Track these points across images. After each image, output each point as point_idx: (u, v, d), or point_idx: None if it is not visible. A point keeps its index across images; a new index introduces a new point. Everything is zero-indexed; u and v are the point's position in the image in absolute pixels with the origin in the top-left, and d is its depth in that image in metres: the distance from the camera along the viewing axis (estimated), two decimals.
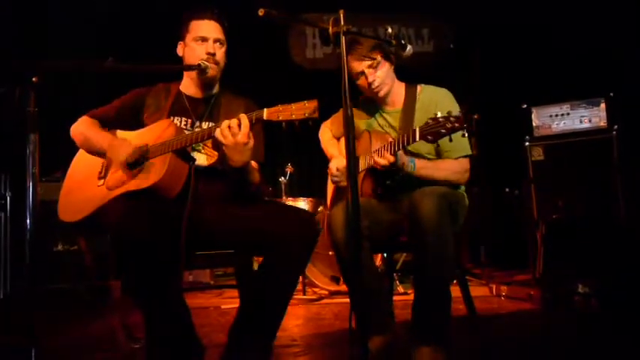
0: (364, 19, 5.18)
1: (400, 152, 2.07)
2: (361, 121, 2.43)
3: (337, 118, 2.53)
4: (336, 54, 1.61)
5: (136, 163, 1.94)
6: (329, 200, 2.61)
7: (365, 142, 2.30)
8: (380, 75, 2.26)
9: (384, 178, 2.24)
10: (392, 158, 2.02)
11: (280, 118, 1.70)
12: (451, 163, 2.23)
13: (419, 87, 2.35)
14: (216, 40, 2.09)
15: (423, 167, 2.17)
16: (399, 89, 2.36)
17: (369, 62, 2.24)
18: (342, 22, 1.57)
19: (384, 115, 2.39)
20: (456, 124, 1.87)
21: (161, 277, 1.74)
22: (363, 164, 2.26)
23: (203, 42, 2.08)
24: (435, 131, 1.91)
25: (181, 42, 2.15)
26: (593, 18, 4.27)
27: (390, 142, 2.08)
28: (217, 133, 1.77)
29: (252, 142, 1.78)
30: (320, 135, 2.58)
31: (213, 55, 2.07)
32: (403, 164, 2.09)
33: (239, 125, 1.75)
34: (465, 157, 2.25)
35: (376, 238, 2.11)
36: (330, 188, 2.59)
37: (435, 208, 1.93)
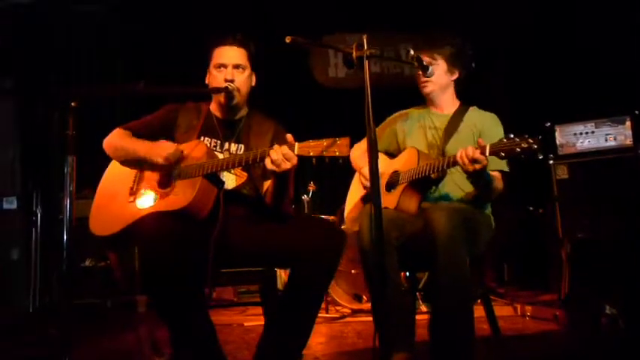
0: (385, 38, 5.23)
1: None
2: (414, 112, 2.50)
3: (381, 130, 2.54)
4: (359, 74, 1.64)
5: (166, 184, 1.99)
6: (348, 213, 2.61)
7: (410, 159, 2.32)
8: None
9: (427, 190, 2.28)
10: (484, 159, 1.95)
11: (311, 154, 1.73)
12: (499, 178, 2.25)
13: (472, 107, 2.43)
14: (235, 66, 2.09)
15: (494, 178, 2.18)
16: (450, 99, 2.44)
17: (427, 60, 2.31)
18: (366, 46, 1.61)
19: (431, 115, 2.45)
20: (534, 146, 1.84)
21: (187, 295, 1.78)
22: (405, 178, 2.27)
23: (222, 68, 2.10)
24: (508, 149, 1.89)
25: (208, 70, 2.18)
26: (618, 34, 4.24)
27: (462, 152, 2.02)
28: (268, 161, 1.78)
29: (295, 160, 1.79)
30: (351, 151, 2.59)
31: (232, 81, 2.07)
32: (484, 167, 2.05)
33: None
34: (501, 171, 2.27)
35: (407, 253, 2.11)
36: (352, 202, 2.60)
37: (448, 222, 1.94)
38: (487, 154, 1.93)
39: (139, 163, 2.08)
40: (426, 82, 2.38)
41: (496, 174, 2.23)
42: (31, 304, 3.86)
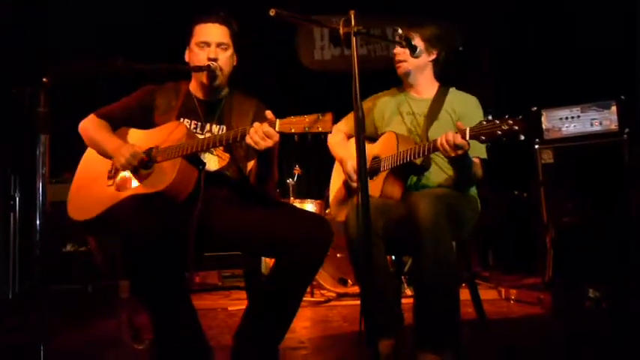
0: (372, 20, 5.17)
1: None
2: (391, 96, 2.45)
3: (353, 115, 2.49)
4: (345, 55, 1.59)
5: (145, 165, 1.93)
6: (332, 200, 2.59)
7: (389, 143, 2.28)
8: (406, 52, 2.28)
9: (409, 177, 2.24)
10: (465, 144, 1.91)
11: (293, 131, 1.67)
12: (478, 164, 2.22)
13: (451, 89, 2.38)
14: (219, 45, 2.03)
15: (474, 163, 2.14)
16: (429, 83, 2.39)
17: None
18: (353, 23, 1.56)
19: (409, 100, 2.39)
20: (515, 127, 1.79)
21: (169, 279, 1.74)
22: (386, 165, 2.24)
23: (205, 46, 2.03)
24: (489, 132, 1.84)
25: (188, 47, 2.11)
26: (604, 19, 4.23)
27: (444, 137, 1.98)
28: (248, 140, 1.73)
29: (276, 138, 1.74)
30: (329, 137, 2.55)
31: (215, 60, 2.01)
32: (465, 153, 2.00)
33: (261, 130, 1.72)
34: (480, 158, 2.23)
35: (392, 239, 2.09)
36: (334, 189, 2.57)
37: (431, 209, 1.91)
38: (467, 138, 1.89)
39: (108, 157, 2.03)
40: (401, 62, 2.33)
41: (475, 160, 2.19)
42: (10, 290, 3.78)
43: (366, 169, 1.56)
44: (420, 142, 2.23)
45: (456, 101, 2.33)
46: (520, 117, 1.81)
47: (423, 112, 2.33)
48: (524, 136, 1.80)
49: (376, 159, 2.32)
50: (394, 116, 2.40)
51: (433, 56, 2.34)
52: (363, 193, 1.50)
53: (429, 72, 2.38)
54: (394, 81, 2.51)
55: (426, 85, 2.38)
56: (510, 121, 1.80)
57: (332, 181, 2.62)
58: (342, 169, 2.41)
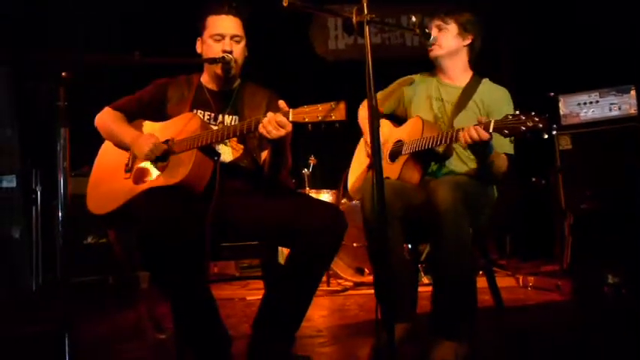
0: (386, 8, 5.13)
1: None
2: (422, 79, 2.44)
3: (388, 93, 2.47)
4: (359, 44, 1.60)
5: (161, 158, 1.96)
6: (353, 182, 2.58)
7: (415, 129, 2.27)
8: (439, 36, 2.27)
9: (430, 164, 2.24)
10: (489, 137, 1.91)
11: (306, 120, 1.67)
12: (504, 158, 2.18)
13: (484, 79, 2.34)
14: (233, 37, 2.04)
15: (495, 155, 2.10)
16: (461, 68, 2.35)
17: (438, 23, 2.27)
18: (366, 11, 1.56)
19: (440, 86, 2.37)
20: (540, 125, 1.78)
21: (188, 269, 1.77)
22: (407, 149, 2.23)
23: (220, 39, 2.04)
24: (513, 126, 1.82)
25: (199, 38, 2.11)
26: (622, 4, 4.15)
27: (467, 128, 1.97)
28: (261, 129, 1.74)
29: (289, 127, 1.74)
30: (359, 110, 2.51)
31: (230, 52, 2.02)
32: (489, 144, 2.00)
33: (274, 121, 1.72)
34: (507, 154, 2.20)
35: (409, 222, 2.09)
36: (356, 171, 2.57)
37: (451, 195, 1.91)
38: (490, 130, 1.88)
39: (125, 149, 2.05)
40: (433, 47, 2.30)
41: (502, 154, 2.17)
42: (33, 283, 3.86)
43: (380, 154, 1.56)
44: (444, 130, 2.22)
45: (487, 93, 2.29)
46: (547, 115, 1.79)
47: (452, 100, 2.31)
48: (548, 134, 1.79)
49: (399, 142, 2.32)
50: (423, 101, 2.38)
51: (468, 41, 2.30)
52: (378, 176, 1.50)
53: (462, 58, 2.34)
54: (408, 70, 2.49)
55: (458, 72, 2.34)
56: (536, 118, 1.79)
57: (353, 163, 2.61)
58: (365, 140, 2.42)
